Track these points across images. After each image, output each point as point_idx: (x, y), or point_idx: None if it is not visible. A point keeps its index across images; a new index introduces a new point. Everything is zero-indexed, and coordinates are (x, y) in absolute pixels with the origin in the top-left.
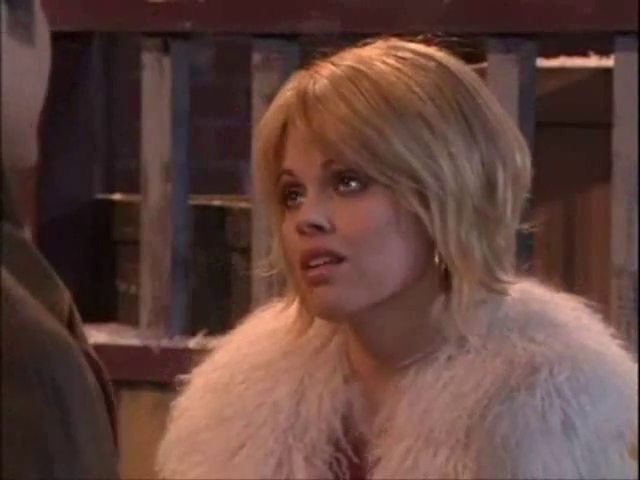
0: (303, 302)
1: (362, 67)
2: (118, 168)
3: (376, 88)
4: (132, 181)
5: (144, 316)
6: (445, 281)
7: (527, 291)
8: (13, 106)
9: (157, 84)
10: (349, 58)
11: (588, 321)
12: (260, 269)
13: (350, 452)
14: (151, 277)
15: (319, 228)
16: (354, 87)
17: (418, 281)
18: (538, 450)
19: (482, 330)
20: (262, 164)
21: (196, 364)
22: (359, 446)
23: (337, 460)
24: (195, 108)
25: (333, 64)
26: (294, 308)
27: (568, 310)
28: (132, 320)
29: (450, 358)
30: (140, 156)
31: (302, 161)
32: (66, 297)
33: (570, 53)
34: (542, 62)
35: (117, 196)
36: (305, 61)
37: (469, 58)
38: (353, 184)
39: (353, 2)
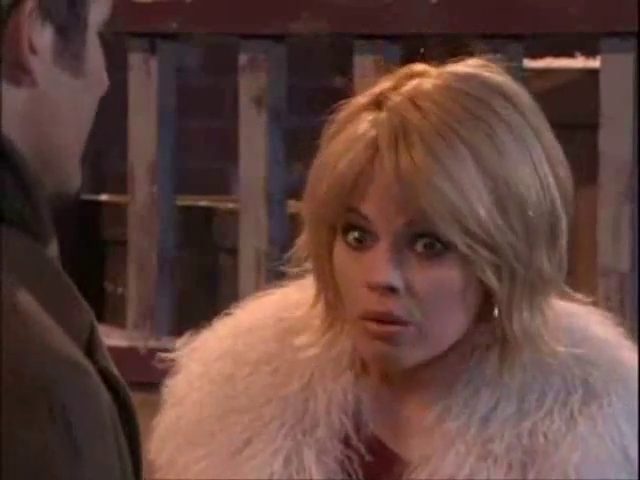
0: (333, 310)
1: (439, 113)
2: (105, 169)
3: (460, 139)
4: (119, 182)
5: (130, 317)
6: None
7: (561, 306)
8: (56, 133)
9: (143, 85)
10: (419, 95)
11: (618, 335)
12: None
13: (362, 450)
14: (137, 278)
15: (392, 289)
16: (441, 138)
17: (471, 331)
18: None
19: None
20: (333, 193)
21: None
22: (373, 445)
23: (348, 458)
24: (183, 109)
25: (412, 101)
26: (302, 298)
27: (601, 325)
28: (119, 321)
29: (496, 371)
30: (127, 157)
31: (383, 213)
32: (88, 317)
33: (556, 54)
34: (529, 63)
35: (104, 197)
36: (292, 62)
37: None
38: (433, 247)
39: (341, 3)
